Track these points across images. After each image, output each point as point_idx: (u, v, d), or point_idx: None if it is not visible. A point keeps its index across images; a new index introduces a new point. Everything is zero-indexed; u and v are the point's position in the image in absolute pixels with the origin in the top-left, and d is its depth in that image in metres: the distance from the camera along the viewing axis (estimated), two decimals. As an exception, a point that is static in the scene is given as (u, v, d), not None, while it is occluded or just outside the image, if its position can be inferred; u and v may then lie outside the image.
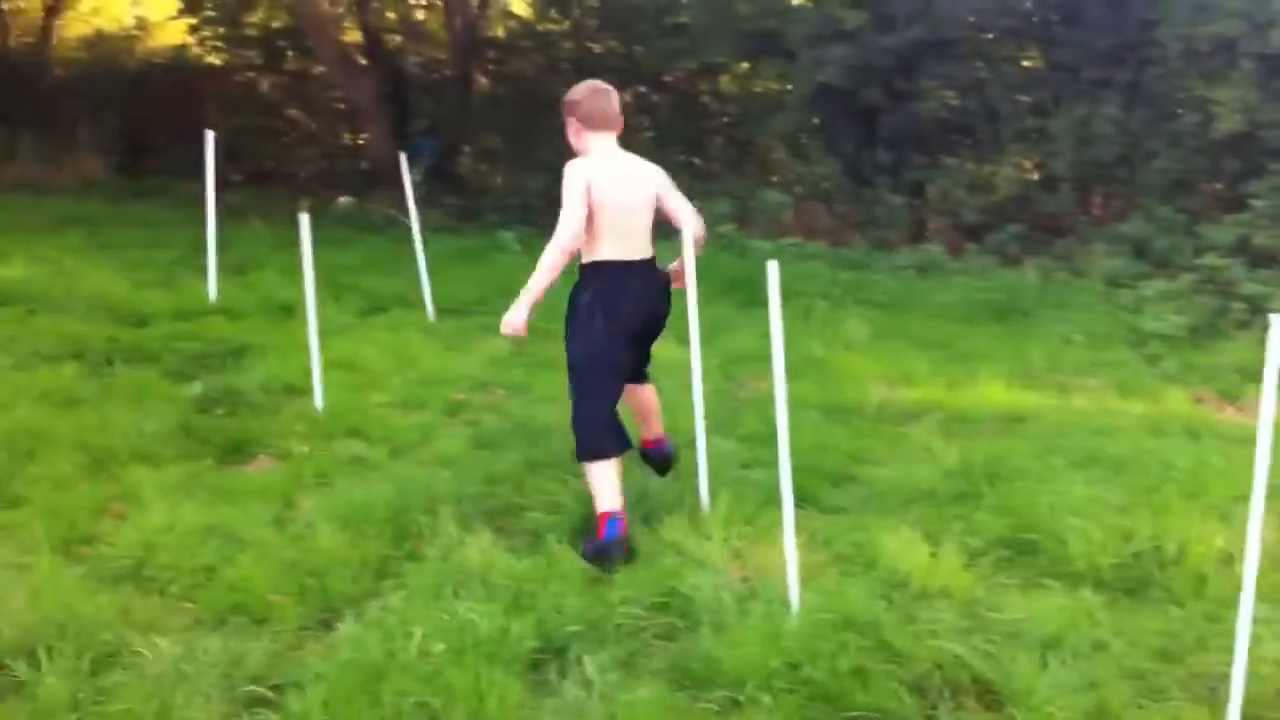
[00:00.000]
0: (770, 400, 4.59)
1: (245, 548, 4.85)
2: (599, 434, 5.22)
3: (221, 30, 20.60)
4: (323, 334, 7.22)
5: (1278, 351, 3.47)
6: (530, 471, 5.94)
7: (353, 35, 20.12)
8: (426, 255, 10.39)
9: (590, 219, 5.19)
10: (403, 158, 11.29)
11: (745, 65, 17.59)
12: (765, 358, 4.64)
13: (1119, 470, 6.19)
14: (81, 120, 20.03)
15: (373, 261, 12.40)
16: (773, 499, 4.90)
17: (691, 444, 5.60)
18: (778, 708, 3.80)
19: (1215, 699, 3.88)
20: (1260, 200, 11.50)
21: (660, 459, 5.84)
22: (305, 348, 7.18)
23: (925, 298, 11.45)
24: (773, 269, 4.42)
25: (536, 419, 6.80)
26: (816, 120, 16.21)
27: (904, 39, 14.29)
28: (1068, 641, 4.22)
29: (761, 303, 4.55)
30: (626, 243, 5.32)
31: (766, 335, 4.49)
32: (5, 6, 22.24)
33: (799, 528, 4.55)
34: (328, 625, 4.39)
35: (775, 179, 16.44)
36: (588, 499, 5.28)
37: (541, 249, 5.18)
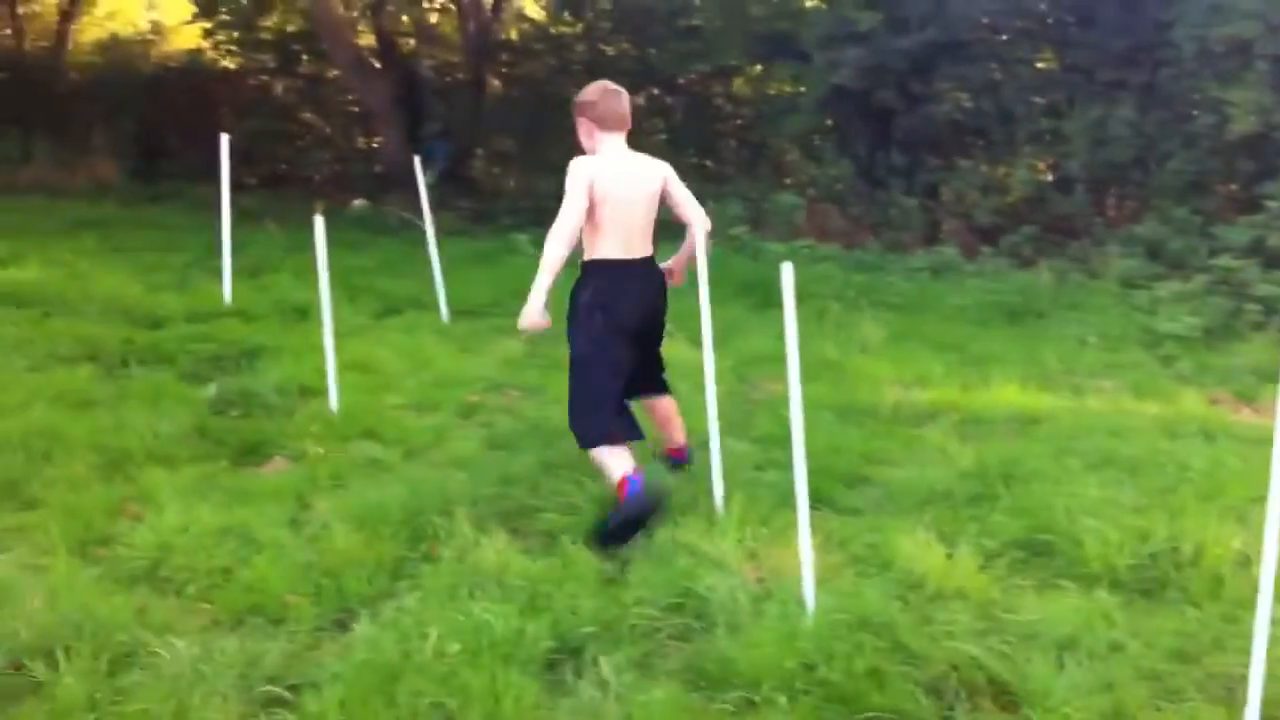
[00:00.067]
0: (784, 402, 4.59)
1: (261, 549, 4.86)
2: (599, 424, 5.31)
3: (236, 34, 20.63)
4: (337, 336, 7.23)
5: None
6: (545, 473, 5.94)
7: (367, 39, 20.15)
8: (440, 257, 10.40)
9: (592, 213, 5.29)
10: (416, 161, 11.31)
11: (758, 67, 17.57)
12: (779, 359, 4.64)
13: (1134, 472, 6.17)
14: (96, 124, 20.11)
15: (387, 264, 12.42)
16: (787, 500, 4.90)
17: (705, 445, 5.60)
18: (793, 709, 3.79)
19: (1232, 700, 3.86)
20: (1275, 201, 11.45)
21: (677, 466, 5.88)
22: (320, 350, 7.19)
23: (939, 300, 11.42)
24: (787, 271, 4.42)
25: (551, 420, 6.80)
26: (830, 122, 16.20)
27: (918, 41, 14.26)
28: (1084, 642, 4.21)
29: (775, 305, 4.55)
30: (627, 240, 5.42)
31: (780, 337, 4.49)
32: (20, 10, 22.32)
33: (814, 529, 4.54)
34: (343, 626, 4.39)
35: (789, 181, 16.42)
36: (603, 500, 5.31)
37: (554, 251, 5.25)
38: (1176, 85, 13.28)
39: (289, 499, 5.55)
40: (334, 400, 7.02)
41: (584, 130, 5.52)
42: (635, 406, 5.65)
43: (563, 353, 5.65)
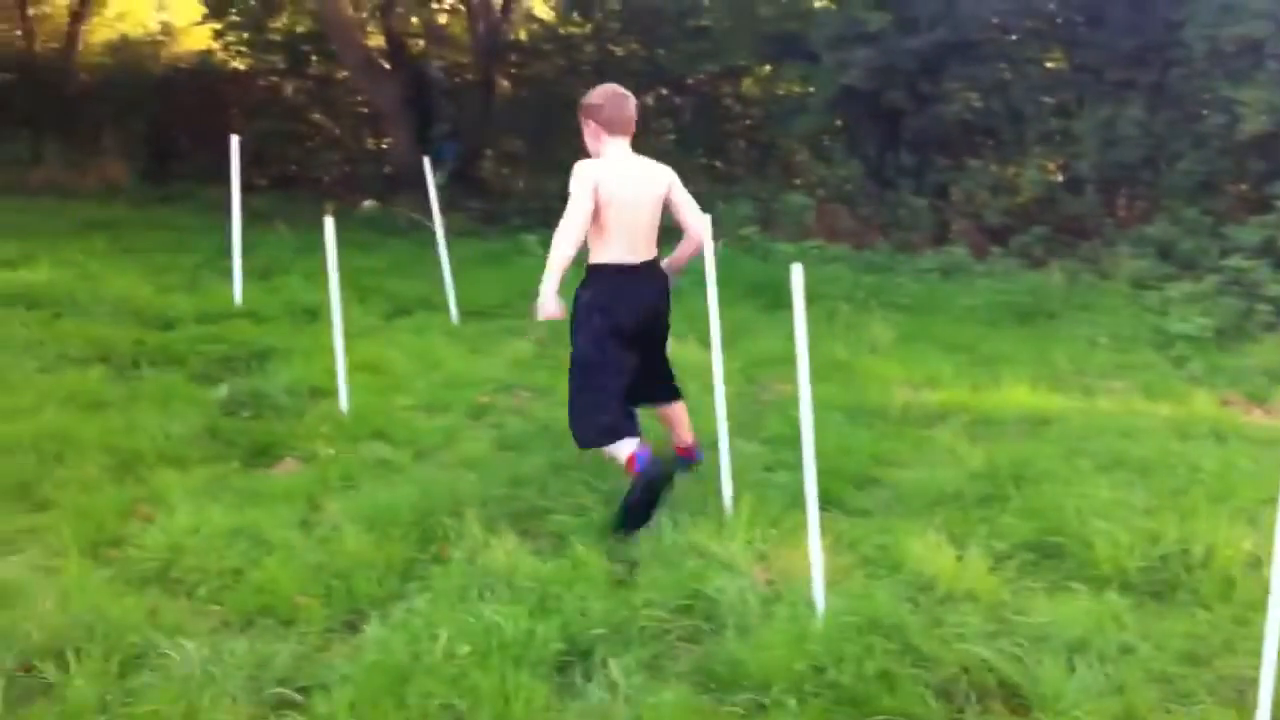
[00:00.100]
0: (794, 403, 4.59)
1: (271, 550, 4.88)
2: (598, 424, 5.41)
3: (246, 35, 20.65)
4: (347, 337, 7.24)
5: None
6: (555, 474, 5.96)
7: (376, 40, 20.17)
8: (450, 258, 10.41)
9: (597, 216, 5.36)
10: (426, 161, 11.32)
11: (768, 68, 17.54)
12: (789, 360, 4.64)
13: (1145, 473, 6.16)
14: (106, 125, 20.11)
15: (397, 265, 12.44)
16: (797, 501, 4.91)
17: (714, 446, 5.61)
18: (803, 711, 3.79)
19: (1243, 702, 3.86)
20: (1286, 202, 11.45)
21: (686, 467, 5.91)
22: (330, 351, 7.21)
23: (949, 300, 11.41)
24: (797, 272, 4.42)
25: (560, 421, 6.75)
26: (839, 122, 16.18)
27: (927, 41, 14.23)
28: (1094, 645, 4.20)
29: (785, 305, 4.56)
30: (631, 243, 5.49)
31: (790, 338, 4.50)
32: (31, 12, 22.37)
33: (824, 530, 4.54)
34: (353, 627, 4.40)
35: (798, 181, 16.40)
36: (613, 500, 5.34)
37: (564, 252, 5.31)
38: (1187, 85, 13.25)
39: (299, 500, 5.56)
40: (344, 401, 7.04)
41: (589, 133, 5.59)
42: (641, 411, 5.69)
43: (572, 354, 5.71)
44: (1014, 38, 15.11)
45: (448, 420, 7.16)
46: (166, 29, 22.97)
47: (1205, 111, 13.16)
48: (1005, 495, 5.68)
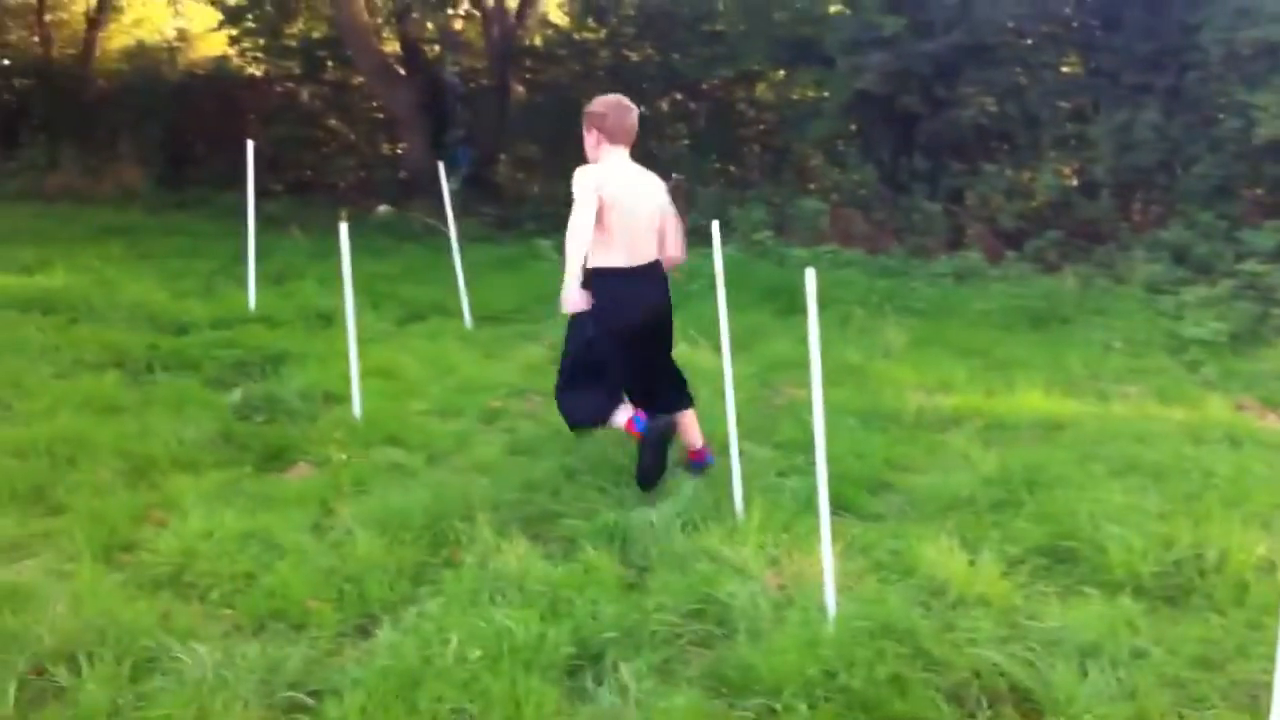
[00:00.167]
0: (807, 407, 4.59)
1: (284, 554, 4.89)
2: (592, 408, 5.75)
3: (262, 41, 20.74)
4: (361, 342, 7.26)
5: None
6: (566, 478, 5.96)
7: (391, 45, 20.23)
8: (464, 263, 10.43)
9: (600, 218, 5.50)
10: (440, 167, 11.35)
11: (782, 72, 17.54)
12: (802, 365, 4.64)
13: (1159, 478, 6.13)
14: (123, 131, 20.22)
15: (411, 270, 12.47)
16: (810, 506, 4.90)
17: (726, 451, 5.61)
18: (815, 716, 3.79)
19: (1256, 707, 3.85)
20: (1302, 206, 11.41)
21: (696, 470, 5.93)
22: (344, 356, 7.22)
23: (963, 305, 11.38)
24: (810, 276, 4.42)
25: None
26: (854, 127, 16.17)
27: (942, 45, 14.21)
28: (1107, 649, 4.18)
29: (799, 310, 4.57)
30: (631, 246, 5.66)
31: (804, 342, 4.50)
32: (48, 19, 22.48)
33: (836, 535, 4.54)
34: (365, 631, 4.41)
35: (812, 186, 16.39)
36: (624, 505, 5.38)
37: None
38: (1203, 89, 13.20)
39: (312, 504, 5.58)
40: (357, 406, 7.05)
41: (592, 140, 5.75)
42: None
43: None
44: (1029, 42, 15.07)
45: (460, 425, 7.18)
46: (183, 35, 23.10)
47: (1221, 115, 13.12)
48: (1018, 500, 5.67)
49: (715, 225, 5.70)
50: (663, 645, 4.29)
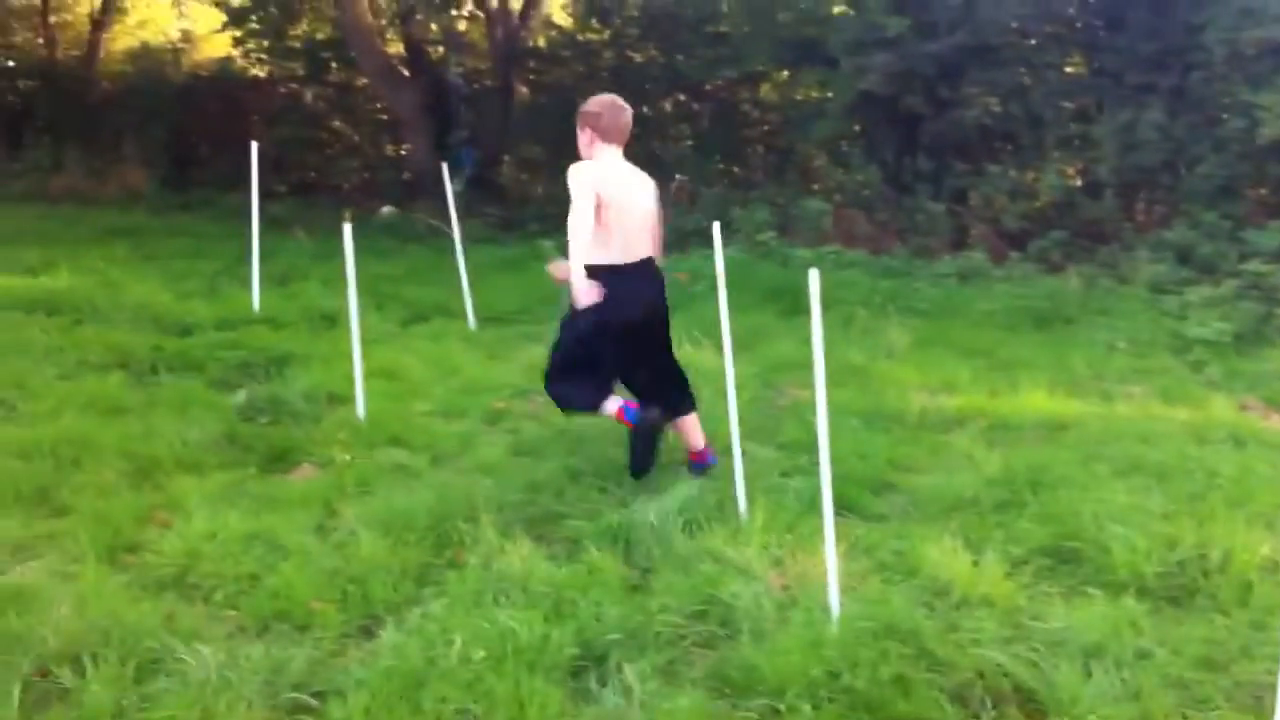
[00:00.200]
0: (810, 408, 4.59)
1: (288, 555, 4.89)
2: (585, 395, 5.86)
3: (266, 43, 20.78)
4: (365, 343, 7.26)
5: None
6: (570, 479, 5.96)
7: (395, 47, 20.25)
8: (468, 264, 10.44)
9: (597, 215, 5.55)
10: (444, 168, 11.36)
11: (786, 73, 17.54)
12: (806, 365, 4.65)
13: (1163, 478, 6.12)
14: (127, 133, 20.24)
15: (414, 271, 12.48)
16: (813, 506, 4.91)
17: (728, 452, 5.61)
18: (818, 717, 3.79)
19: (1260, 708, 3.84)
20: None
21: (699, 471, 5.94)
22: (348, 357, 7.23)
23: (967, 305, 11.37)
24: (814, 277, 4.42)
25: (576, 427, 6.80)
26: (857, 127, 16.16)
27: (946, 45, 14.20)
28: (1111, 650, 4.18)
29: (803, 311, 4.56)
30: (626, 243, 5.71)
31: (807, 343, 4.50)
32: (52, 20, 22.51)
33: (839, 536, 4.53)
34: (369, 632, 4.41)
35: (816, 187, 16.38)
36: (627, 507, 5.37)
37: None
38: (1206, 89, 13.18)
39: (316, 505, 5.58)
40: (361, 407, 7.05)
41: (586, 139, 5.81)
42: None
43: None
44: (1033, 42, 15.05)
45: (464, 426, 7.19)
46: (187, 36, 23.14)
47: (1225, 115, 13.10)
48: (1022, 500, 5.67)
49: (716, 226, 5.72)
50: (666, 646, 4.29)
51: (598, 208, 5.53)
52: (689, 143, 17.93)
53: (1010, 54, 14.75)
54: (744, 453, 5.67)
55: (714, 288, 5.70)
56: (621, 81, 17.86)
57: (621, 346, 5.77)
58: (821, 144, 16.38)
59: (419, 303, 10.87)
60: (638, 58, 18.77)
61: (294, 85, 21.36)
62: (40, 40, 22.63)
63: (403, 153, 20.35)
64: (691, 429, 6.05)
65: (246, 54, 21.17)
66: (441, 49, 20.42)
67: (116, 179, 19.09)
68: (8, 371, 7.53)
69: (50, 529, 5.26)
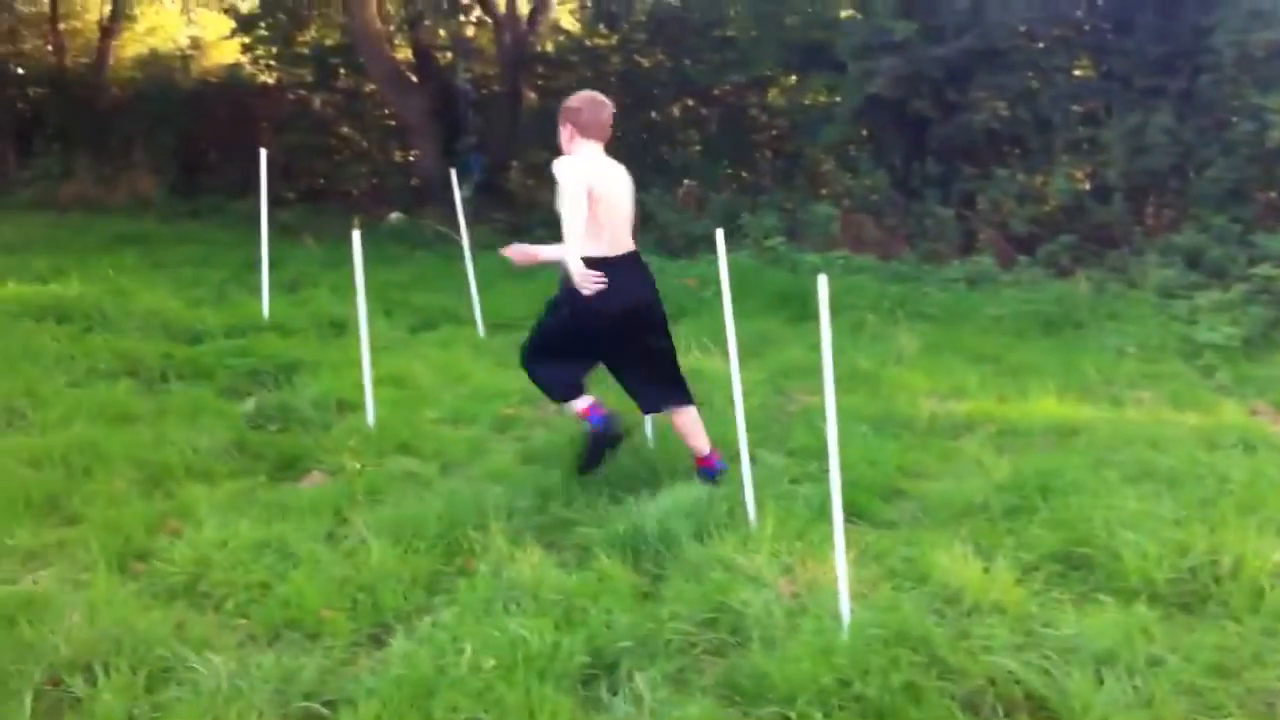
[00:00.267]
0: (820, 414, 4.59)
1: (298, 563, 4.90)
2: (552, 386, 5.97)
3: (274, 49, 20.81)
4: (374, 350, 7.28)
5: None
6: (580, 486, 5.95)
7: (404, 52, 20.27)
8: (476, 271, 10.44)
9: (589, 208, 5.61)
10: (453, 174, 11.36)
11: (793, 78, 17.51)
12: (815, 371, 4.64)
13: (1173, 483, 6.11)
14: (136, 140, 20.26)
15: (423, 278, 12.49)
16: (823, 513, 4.90)
17: (737, 458, 5.61)
18: (829, 724, 3.79)
19: (1273, 715, 3.84)
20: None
21: (708, 478, 5.91)
22: (357, 364, 7.24)
23: (976, 310, 11.36)
24: (822, 283, 4.42)
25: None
26: (865, 132, 16.14)
27: (954, 49, 14.19)
28: (1122, 657, 4.16)
29: (811, 316, 4.57)
30: (613, 237, 5.78)
31: (816, 349, 4.50)
32: (62, 27, 22.57)
33: (849, 542, 4.53)
34: (379, 641, 4.42)
35: (824, 192, 16.35)
36: (637, 514, 5.35)
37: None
38: (1216, 92, 13.16)
39: (326, 513, 5.58)
40: (371, 414, 7.06)
41: (566, 134, 5.89)
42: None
43: (599, 370, 5.78)
44: (1041, 45, 15.03)
45: (473, 433, 7.19)
46: (196, 43, 23.19)
47: (1234, 118, 13.08)
48: (1032, 506, 5.65)
49: (720, 233, 5.71)
50: (677, 654, 4.29)
51: (590, 202, 5.59)
52: (697, 148, 17.90)
53: (1018, 57, 14.74)
54: (753, 459, 5.67)
55: (718, 293, 5.70)
56: (629, 87, 17.89)
57: (607, 337, 5.81)
58: (829, 149, 16.36)
59: (428, 309, 10.88)
60: (645, 63, 18.76)
61: (302, 91, 21.37)
62: (49, 47, 22.69)
63: (411, 159, 20.35)
64: (694, 431, 6.01)
65: (255, 60, 21.21)
66: (450, 55, 20.43)
67: (126, 186, 19.12)
68: (18, 379, 7.54)
69: (61, 537, 5.28)
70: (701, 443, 6.02)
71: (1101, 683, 3.99)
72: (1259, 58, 12.43)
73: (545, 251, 5.82)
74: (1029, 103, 14.60)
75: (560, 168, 5.66)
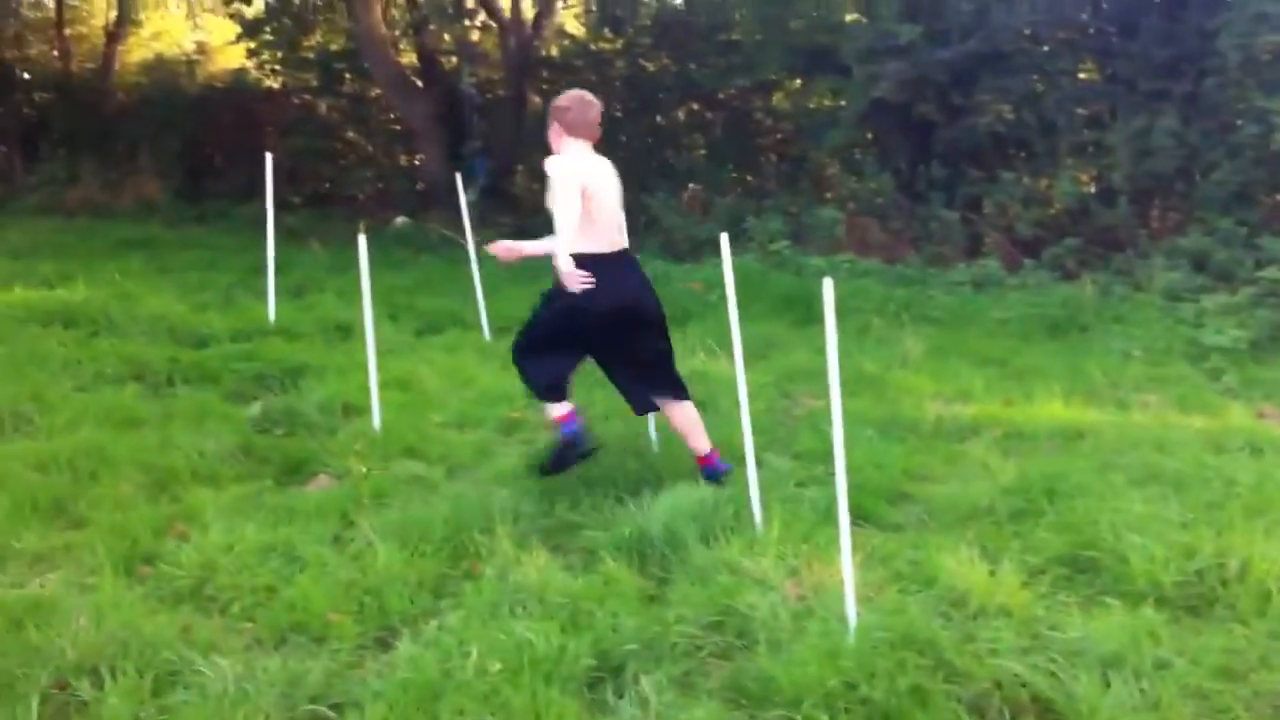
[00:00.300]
0: (825, 417, 4.59)
1: (304, 567, 4.91)
2: (538, 382, 5.99)
3: (280, 54, 20.83)
4: (380, 354, 7.28)
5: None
6: (586, 489, 5.95)
7: (409, 57, 20.30)
8: (482, 275, 10.44)
9: (582, 206, 5.67)
10: (458, 178, 11.38)
11: (798, 81, 17.54)
12: (821, 375, 4.64)
13: (1180, 487, 6.09)
14: (142, 144, 20.29)
15: (429, 282, 12.51)
16: (829, 516, 4.90)
17: (743, 461, 5.60)
18: (835, 727, 3.78)
19: (1280, 719, 3.83)
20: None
21: (711, 478, 5.90)
22: (363, 368, 7.25)
23: (981, 313, 11.35)
24: (828, 286, 4.42)
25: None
26: (870, 135, 16.16)
27: (959, 52, 14.20)
28: (1129, 660, 4.16)
29: (817, 320, 4.57)
30: (607, 234, 5.82)
31: (821, 352, 4.50)
32: (67, 32, 22.60)
33: (855, 546, 4.53)
34: (385, 644, 4.42)
35: (829, 195, 16.35)
36: (643, 516, 5.35)
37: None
38: (1221, 95, 13.15)
39: (332, 517, 5.59)
40: (377, 418, 7.07)
41: (554, 132, 5.93)
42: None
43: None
44: (1046, 48, 15.03)
45: (479, 436, 7.20)
46: (201, 48, 23.23)
47: (1239, 121, 13.07)
48: (1038, 510, 5.64)
49: (724, 237, 5.72)
50: (683, 657, 4.29)
51: (583, 199, 5.64)
52: (702, 152, 17.92)
53: (1023, 60, 14.74)
54: (759, 462, 5.67)
55: (724, 297, 5.70)
56: (634, 91, 17.91)
57: (596, 333, 5.82)
58: (834, 152, 16.37)
59: (433, 313, 10.89)
60: (650, 67, 18.78)
61: (308, 96, 21.41)
62: (55, 53, 22.74)
63: (416, 163, 20.38)
64: (692, 430, 6.00)
65: (261, 65, 21.24)
66: (455, 59, 20.47)
67: (131, 191, 19.15)
68: (25, 384, 7.55)
69: (68, 541, 5.28)
70: (700, 442, 6.01)
71: (1108, 686, 3.98)
72: (1264, 61, 12.43)
73: (530, 247, 5.85)
74: (1034, 106, 14.60)
75: (553, 165, 5.71)
